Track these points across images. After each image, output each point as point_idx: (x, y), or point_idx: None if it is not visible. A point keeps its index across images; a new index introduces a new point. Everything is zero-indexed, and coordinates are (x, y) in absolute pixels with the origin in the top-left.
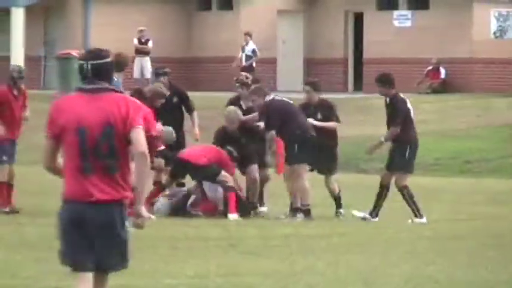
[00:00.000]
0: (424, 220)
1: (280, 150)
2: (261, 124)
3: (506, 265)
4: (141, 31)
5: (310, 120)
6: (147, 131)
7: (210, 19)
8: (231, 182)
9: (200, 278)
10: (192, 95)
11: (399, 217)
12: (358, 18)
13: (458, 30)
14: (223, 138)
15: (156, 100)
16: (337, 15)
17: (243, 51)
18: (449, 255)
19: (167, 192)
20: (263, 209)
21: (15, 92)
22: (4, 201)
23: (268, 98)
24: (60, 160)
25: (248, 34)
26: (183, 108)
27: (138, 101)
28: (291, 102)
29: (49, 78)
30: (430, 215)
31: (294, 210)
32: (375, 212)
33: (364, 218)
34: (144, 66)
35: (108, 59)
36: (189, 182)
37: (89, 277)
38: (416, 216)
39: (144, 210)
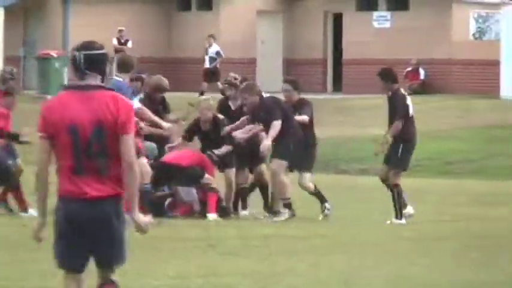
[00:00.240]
0: (403, 221)
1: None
2: (252, 126)
3: (490, 266)
4: (120, 31)
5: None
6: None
7: (190, 19)
8: (214, 184)
9: (181, 278)
10: (173, 95)
11: (380, 218)
12: (338, 19)
13: (438, 31)
14: (193, 130)
15: (156, 93)
16: (317, 15)
17: (207, 53)
18: (432, 256)
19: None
20: (244, 212)
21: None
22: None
23: (265, 94)
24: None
25: (212, 36)
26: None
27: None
28: None
29: (28, 78)
30: (413, 215)
31: (275, 213)
32: (399, 214)
33: (410, 216)
34: None
35: (102, 51)
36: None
37: (79, 278)
38: (396, 217)
39: (141, 217)
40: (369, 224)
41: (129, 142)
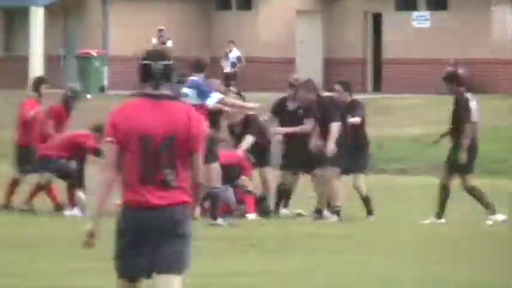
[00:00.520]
0: (442, 221)
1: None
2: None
3: None
4: (160, 30)
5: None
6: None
7: (229, 19)
8: (250, 187)
9: (211, 277)
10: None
11: (420, 217)
12: (377, 19)
13: (477, 31)
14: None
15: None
16: (356, 15)
17: (227, 58)
18: (473, 256)
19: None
20: (285, 210)
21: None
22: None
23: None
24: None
25: (232, 42)
26: None
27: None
28: None
29: (69, 77)
30: (450, 214)
31: (317, 212)
32: (439, 214)
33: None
34: None
35: (172, 61)
36: None
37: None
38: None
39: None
40: (408, 224)
41: (199, 162)
